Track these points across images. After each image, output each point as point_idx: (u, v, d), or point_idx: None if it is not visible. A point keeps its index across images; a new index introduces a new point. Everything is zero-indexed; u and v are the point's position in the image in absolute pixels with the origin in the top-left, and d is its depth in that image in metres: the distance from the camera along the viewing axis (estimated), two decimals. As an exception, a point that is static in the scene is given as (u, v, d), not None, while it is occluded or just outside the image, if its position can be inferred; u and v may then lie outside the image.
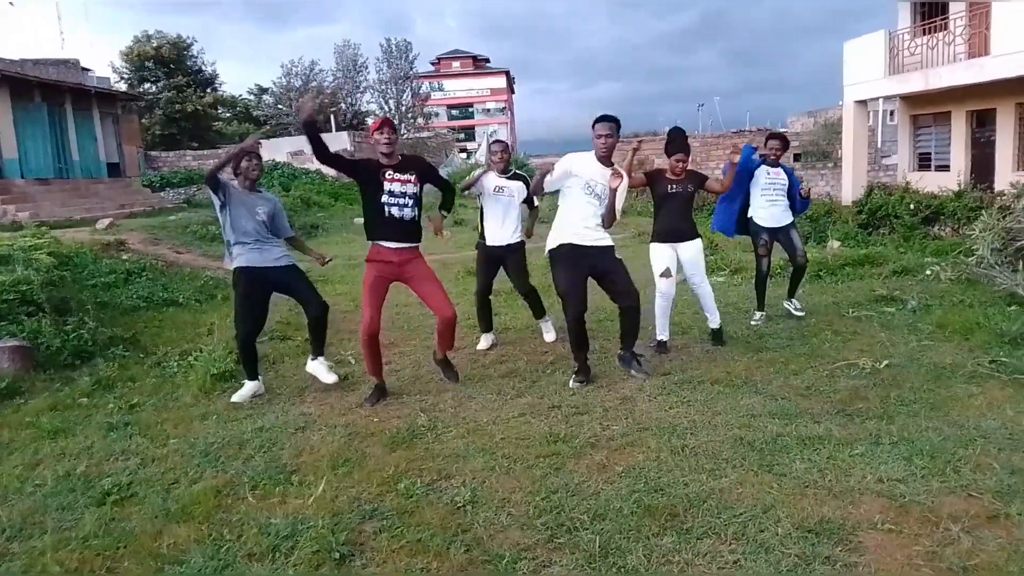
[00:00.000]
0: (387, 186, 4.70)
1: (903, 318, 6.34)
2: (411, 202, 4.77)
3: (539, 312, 6.27)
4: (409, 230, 4.81)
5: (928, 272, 7.99)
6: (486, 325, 6.22)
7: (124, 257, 10.04)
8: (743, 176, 6.27)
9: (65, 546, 3.10)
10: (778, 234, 6.41)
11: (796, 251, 6.45)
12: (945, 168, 17.49)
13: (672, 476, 3.48)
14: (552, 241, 5.00)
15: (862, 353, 5.29)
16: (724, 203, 6.46)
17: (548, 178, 4.91)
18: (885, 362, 5.05)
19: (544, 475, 3.57)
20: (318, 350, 5.18)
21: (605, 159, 4.93)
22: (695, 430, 4.05)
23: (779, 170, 6.40)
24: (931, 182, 16.28)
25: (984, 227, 7.88)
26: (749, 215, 6.45)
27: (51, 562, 2.97)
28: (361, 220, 17.50)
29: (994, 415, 4.07)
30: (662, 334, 5.77)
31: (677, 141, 5.66)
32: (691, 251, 5.71)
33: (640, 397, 4.66)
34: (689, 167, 5.75)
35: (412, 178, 4.77)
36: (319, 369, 5.14)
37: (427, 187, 4.94)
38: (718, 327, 5.86)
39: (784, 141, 6.50)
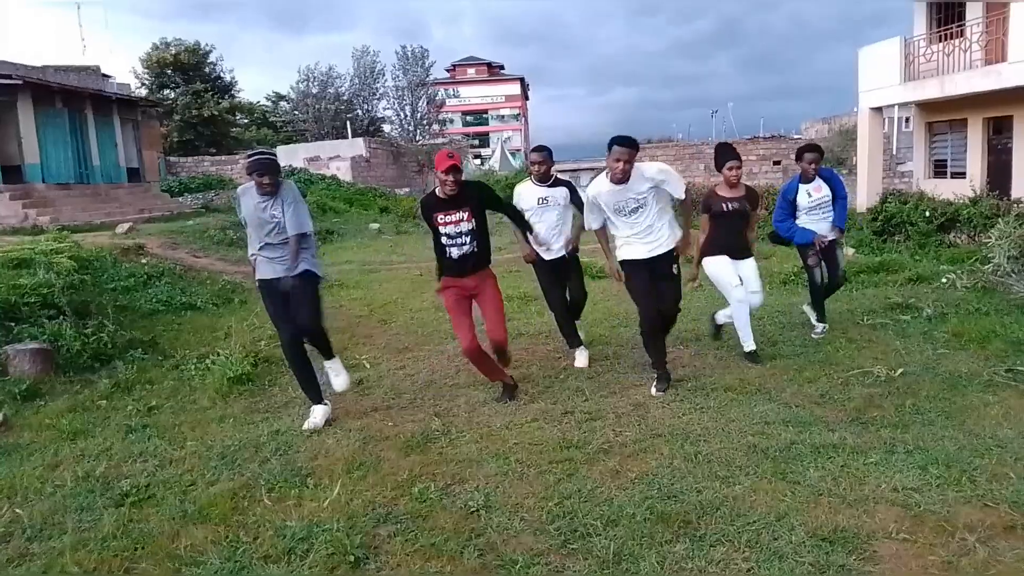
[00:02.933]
0: (442, 229, 4.65)
1: (918, 326, 6.30)
2: (468, 238, 4.65)
3: (574, 339, 5.74)
4: (474, 263, 4.72)
5: (944, 280, 7.93)
6: (575, 340, 5.76)
7: (143, 261, 10.15)
8: (786, 202, 6.12)
9: (84, 547, 3.15)
10: (825, 248, 6.10)
11: (837, 268, 6.16)
12: (961, 175, 17.34)
13: (685, 483, 3.49)
14: (620, 254, 5.01)
15: (877, 361, 5.26)
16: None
17: (591, 220, 5.00)
18: (900, 370, 5.02)
19: (557, 481, 3.59)
20: (326, 354, 4.84)
21: (620, 180, 4.73)
22: (708, 437, 4.05)
23: (818, 184, 6.04)
24: (947, 189, 16.12)
25: (1000, 235, 7.81)
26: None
27: (70, 562, 3.02)
28: (376, 226, 17.50)
29: (1011, 424, 4.04)
30: (748, 343, 5.53)
31: (726, 151, 5.52)
32: (751, 267, 5.58)
33: (653, 403, 4.67)
34: (739, 179, 5.55)
35: (465, 215, 4.62)
36: (330, 370, 4.85)
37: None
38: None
39: (820, 151, 6.17)
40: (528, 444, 4.06)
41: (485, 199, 4.77)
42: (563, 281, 5.65)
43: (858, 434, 3.99)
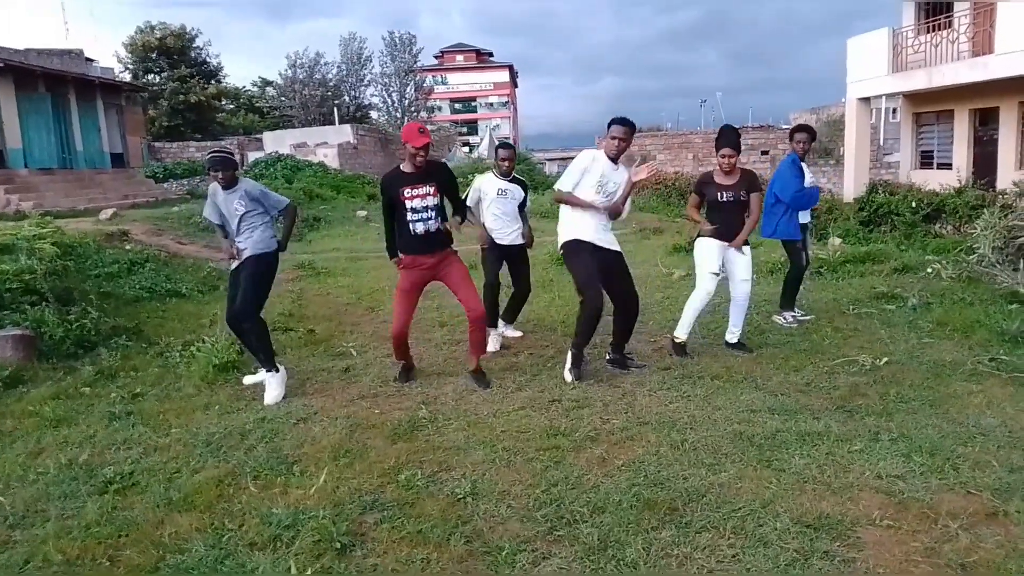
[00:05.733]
0: (408, 204, 4.73)
1: (903, 316, 6.34)
2: (433, 214, 4.79)
3: (514, 315, 6.32)
4: (436, 240, 4.86)
5: (929, 270, 7.98)
6: (492, 320, 6.06)
7: (127, 247, 10.05)
8: (797, 167, 6.13)
9: (67, 534, 3.12)
10: (804, 230, 6.26)
11: (809, 251, 6.37)
12: (947, 166, 17.46)
13: (672, 470, 3.50)
14: (567, 235, 4.99)
15: (862, 350, 5.30)
16: (790, 211, 6.17)
17: (567, 183, 4.97)
18: (885, 359, 5.06)
19: (544, 468, 3.59)
20: (260, 360, 4.97)
21: (615, 159, 4.96)
22: (695, 425, 4.06)
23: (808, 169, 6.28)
24: (933, 180, 16.24)
25: (985, 225, 7.87)
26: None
27: (53, 550, 2.99)
28: (363, 213, 17.26)
29: (993, 413, 4.08)
30: (684, 333, 5.51)
31: (725, 135, 5.38)
32: (743, 255, 5.49)
33: (640, 392, 4.68)
34: (736, 165, 5.41)
35: (431, 189, 4.76)
36: (255, 379, 5.01)
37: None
38: (736, 341, 5.60)
39: (811, 132, 6.25)
40: (515, 432, 4.06)
41: (447, 181, 4.91)
42: (514, 268, 6.14)
43: (843, 422, 4.02)
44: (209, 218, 5.15)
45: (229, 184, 4.88)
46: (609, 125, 4.92)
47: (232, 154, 5.08)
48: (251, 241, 4.92)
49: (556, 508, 3.18)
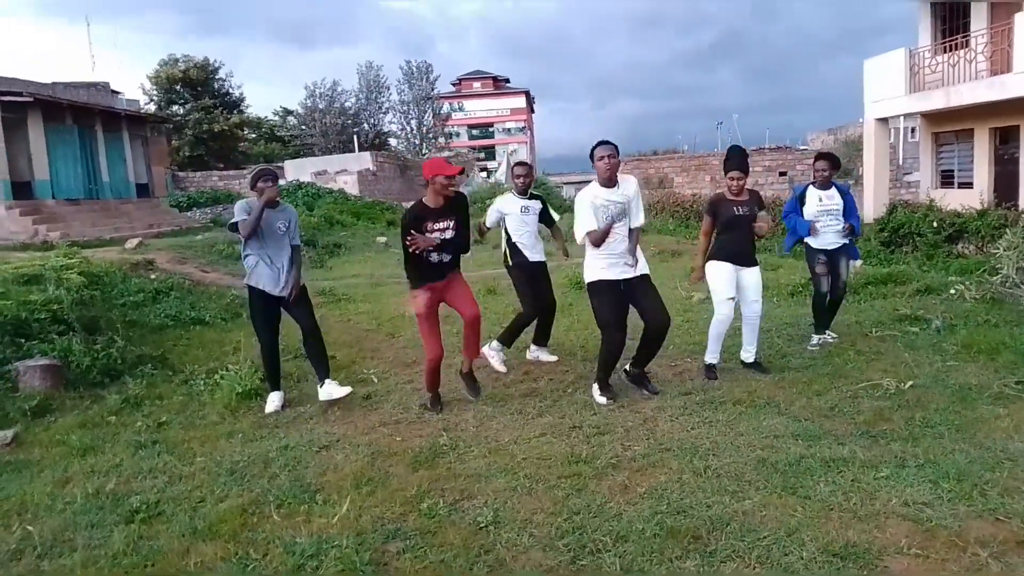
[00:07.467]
0: (429, 236, 4.83)
1: (927, 338, 6.27)
2: (451, 247, 4.94)
3: (545, 337, 6.34)
4: (447, 269, 5.01)
5: (952, 291, 7.89)
6: (509, 340, 6.17)
7: (152, 276, 10.20)
8: (794, 199, 6.29)
9: (94, 564, 3.15)
10: (831, 256, 6.18)
11: (839, 279, 6.25)
12: (968, 185, 17.31)
13: (695, 498, 3.48)
14: (589, 276, 5.03)
15: (886, 374, 5.24)
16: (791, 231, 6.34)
17: (585, 224, 4.93)
18: (910, 383, 5.00)
19: (566, 496, 3.58)
20: (323, 373, 5.30)
21: (609, 180, 4.93)
22: (717, 451, 4.04)
23: (831, 191, 6.20)
24: (954, 200, 16.12)
25: (1009, 245, 7.79)
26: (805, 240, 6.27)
27: (81, 579, 3.03)
28: (383, 239, 17.33)
29: (1021, 437, 4.01)
30: (712, 357, 5.58)
31: (734, 159, 5.50)
32: (754, 276, 5.57)
33: (661, 417, 4.66)
34: (742, 190, 5.51)
35: (452, 223, 4.88)
36: (330, 390, 5.20)
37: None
38: (752, 360, 5.67)
39: (832, 160, 6.29)
40: (536, 459, 4.06)
41: (464, 212, 5.05)
42: (537, 285, 6.07)
43: (868, 448, 3.98)
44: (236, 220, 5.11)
45: (276, 203, 5.11)
46: (592, 153, 4.99)
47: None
48: (291, 273, 5.17)
49: (579, 537, 3.17)
